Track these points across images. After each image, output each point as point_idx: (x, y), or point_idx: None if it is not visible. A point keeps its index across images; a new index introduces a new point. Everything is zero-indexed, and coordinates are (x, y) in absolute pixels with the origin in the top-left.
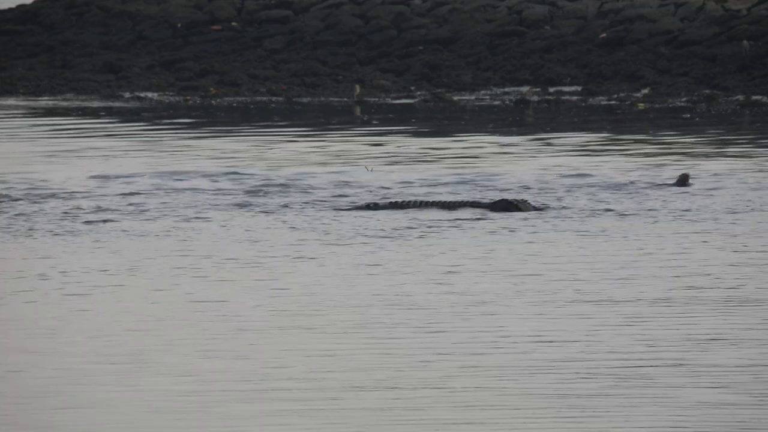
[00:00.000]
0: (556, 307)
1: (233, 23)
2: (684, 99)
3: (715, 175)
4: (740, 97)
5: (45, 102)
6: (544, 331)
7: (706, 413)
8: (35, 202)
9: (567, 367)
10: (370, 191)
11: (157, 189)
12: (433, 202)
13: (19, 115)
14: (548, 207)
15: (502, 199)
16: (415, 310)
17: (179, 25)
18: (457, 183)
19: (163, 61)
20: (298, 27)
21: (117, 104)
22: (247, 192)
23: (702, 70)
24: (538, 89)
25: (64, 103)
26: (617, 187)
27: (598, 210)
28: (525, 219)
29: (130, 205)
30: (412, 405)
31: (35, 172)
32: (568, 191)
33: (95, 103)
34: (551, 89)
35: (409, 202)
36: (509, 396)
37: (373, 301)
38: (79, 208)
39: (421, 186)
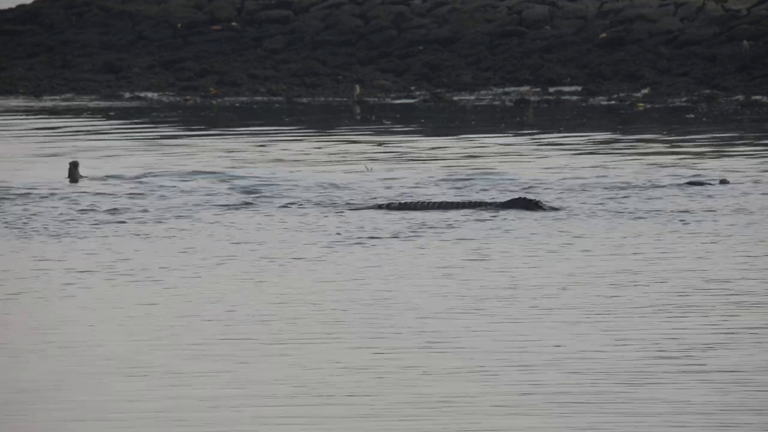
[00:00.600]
0: (554, 309)
1: (233, 23)
2: (684, 99)
3: (748, 175)
4: (740, 97)
5: (45, 102)
6: (540, 333)
7: (698, 417)
8: (32, 202)
9: (561, 370)
10: (374, 191)
11: (156, 189)
12: (447, 202)
13: (19, 115)
14: (564, 206)
15: (520, 198)
16: (413, 312)
17: (179, 25)
18: (466, 183)
19: (163, 61)
20: (298, 27)
21: (117, 104)
22: (249, 192)
23: (702, 70)
24: (538, 89)
25: (64, 103)
26: (641, 187)
27: (620, 210)
28: (541, 218)
29: (128, 205)
30: (403, 408)
31: (34, 172)
32: (584, 191)
33: (95, 103)
34: (551, 89)
35: (422, 202)
36: (506, 396)
37: (375, 303)
38: (75, 208)
39: (427, 186)
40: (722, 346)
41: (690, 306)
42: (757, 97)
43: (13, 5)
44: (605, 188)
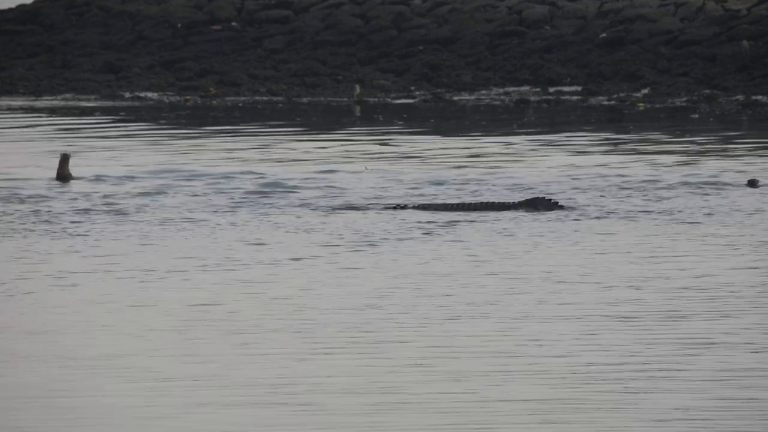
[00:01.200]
0: (550, 311)
1: (233, 23)
2: (684, 99)
3: None
4: (740, 97)
5: (45, 102)
6: (530, 335)
7: (681, 420)
8: (29, 202)
9: (550, 372)
10: (382, 192)
11: (155, 189)
12: (465, 203)
13: (19, 115)
14: (583, 206)
15: (539, 197)
16: (408, 314)
17: (179, 25)
18: (473, 183)
19: (163, 61)
20: (298, 27)
21: (117, 104)
22: (257, 192)
23: (702, 70)
24: (538, 89)
25: (64, 103)
26: (664, 187)
27: (640, 211)
28: (561, 218)
29: (124, 205)
30: (387, 413)
31: (28, 171)
32: (600, 191)
33: (95, 103)
34: (551, 89)
35: (439, 203)
36: (490, 402)
37: (378, 305)
38: (70, 208)
39: (432, 186)
40: (704, 350)
41: (688, 310)
42: (758, 97)
43: (13, 5)
44: (621, 188)
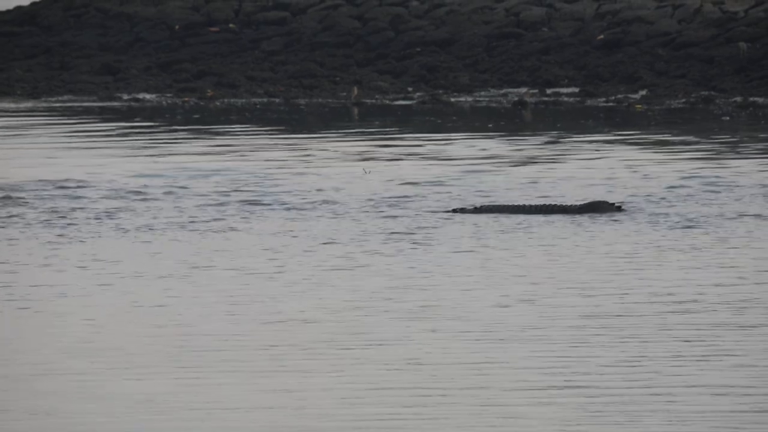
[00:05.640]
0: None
1: (231, 25)
2: (682, 101)
3: None
4: (738, 99)
5: (43, 103)
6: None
7: None
8: (24, 204)
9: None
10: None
11: (157, 190)
12: (526, 206)
13: (17, 117)
14: (640, 210)
15: (601, 201)
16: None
17: (177, 27)
18: (484, 183)
19: (160, 62)
20: (295, 29)
21: (114, 105)
22: (256, 193)
23: (699, 72)
24: (535, 91)
25: (62, 105)
26: (726, 189)
27: (702, 215)
28: (622, 222)
29: (118, 207)
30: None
31: (23, 173)
32: (646, 195)
33: (92, 105)
34: (549, 91)
35: (499, 206)
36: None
37: (385, 309)
38: (64, 210)
39: (443, 185)
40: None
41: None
42: (755, 99)
43: (10, 7)
44: (683, 191)
